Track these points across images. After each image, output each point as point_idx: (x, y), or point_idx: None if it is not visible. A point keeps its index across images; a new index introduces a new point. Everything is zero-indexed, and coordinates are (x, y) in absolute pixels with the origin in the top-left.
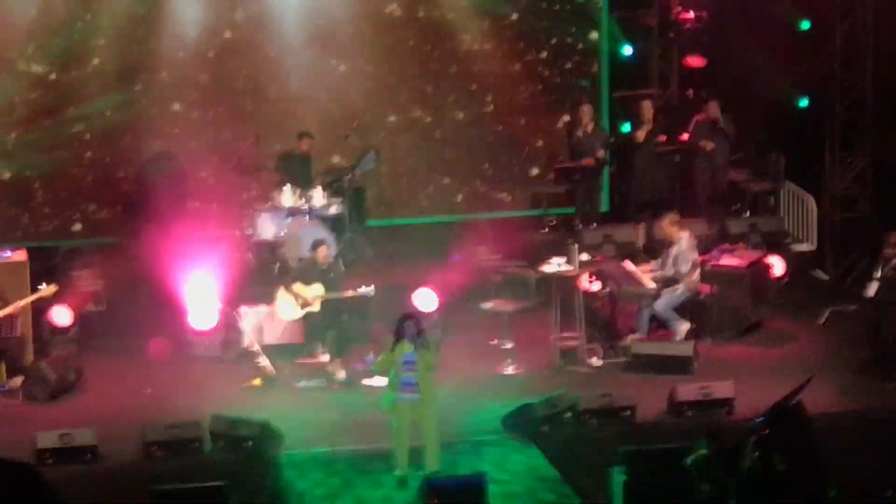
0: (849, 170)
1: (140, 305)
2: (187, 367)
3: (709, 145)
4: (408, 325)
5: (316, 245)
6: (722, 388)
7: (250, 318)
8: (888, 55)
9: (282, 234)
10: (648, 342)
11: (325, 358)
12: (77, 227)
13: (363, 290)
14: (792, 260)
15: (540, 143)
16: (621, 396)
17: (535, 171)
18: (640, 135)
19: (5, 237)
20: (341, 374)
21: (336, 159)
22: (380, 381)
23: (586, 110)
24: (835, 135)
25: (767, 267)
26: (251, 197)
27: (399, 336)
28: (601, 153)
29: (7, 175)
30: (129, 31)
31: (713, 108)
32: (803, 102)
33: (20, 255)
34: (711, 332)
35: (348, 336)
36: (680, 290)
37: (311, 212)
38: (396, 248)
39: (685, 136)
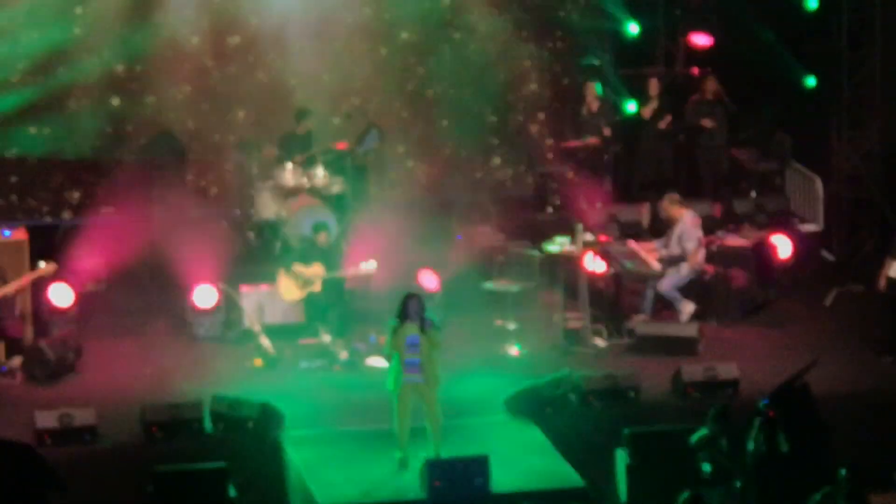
0: (856, 149)
1: (140, 285)
2: (188, 347)
3: (708, 123)
4: (411, 304)
5: (317, 229)
6: (727, 370)
7: (251, 297)
8: None
9: (283, 213)
10: (653, 323)
11: (327, 338)
12: (77, 205)
13: (365, 266)
14: (798, 240)
15: (544, 119)
16: (626, 377)
17: (539, 150)
18: (647, 112)
19: (5, 215)
20: (343, 354)
21: (338, 138)
22: (382, 362)
23: (591, 88)
24: (842, 114)
25: (773, 247)
26: (252, 176)
27: (402, 316)
28: (607, 131)
29: (12, 152)
30: (129, 11)
31: (711, 84)
32: (811, 82)
33: (20, 234)
34: (717, 312)
35: (350, 316)
36: (684, 271)
37: (312, 190)
38: (399, 228)
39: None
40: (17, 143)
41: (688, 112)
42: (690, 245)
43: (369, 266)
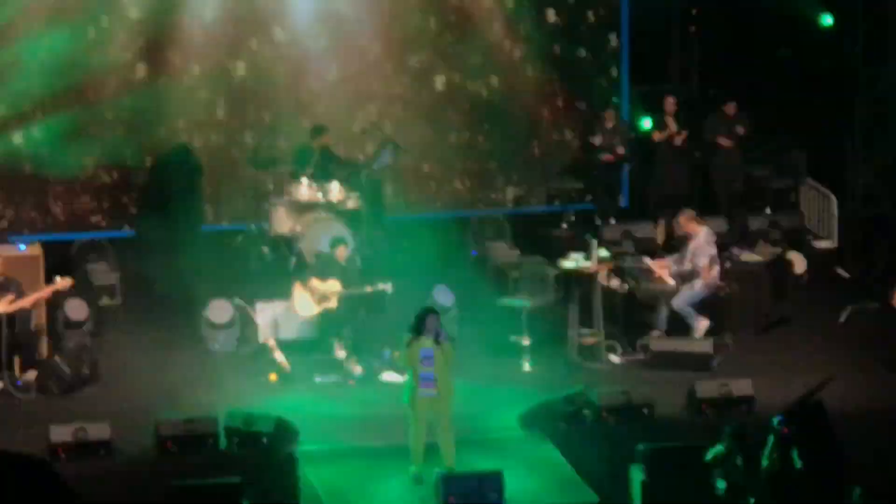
0: (871, 167)
1: (155, 299)
2: (203, 361)
3: (725, 142)
4: (427, 319)
5: (335, 244)
6: (741, 386)
7: (266, 312)
8: None
9: (298, 228)
10: (668, 339)
11: (342, 353)
12: (92, 220)
13: (381, 286)
14: (813, 257)
15: (561, 137)
16: (640, 394)
17: (555, 167)
18: (660, 135)
19: (20, 230)
20: (357, 370)
21: (354, 153)
22: (396, 377)
23: (609, 112)
24: (857, 131)
25: (788, 264)
26: (267, 191)
27: (418, 331)
28: (621, 149)
29: (28, 169)
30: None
31: (730, 108)
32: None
33: (35, 249)
34: (731, 329)
35: (365, 332)
36: (699, 287)
37: (327, 206)
38: (414, 244)
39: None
40: (35, 158)
41: (706, 129)
42: (703, 261)
43: (386, 287)
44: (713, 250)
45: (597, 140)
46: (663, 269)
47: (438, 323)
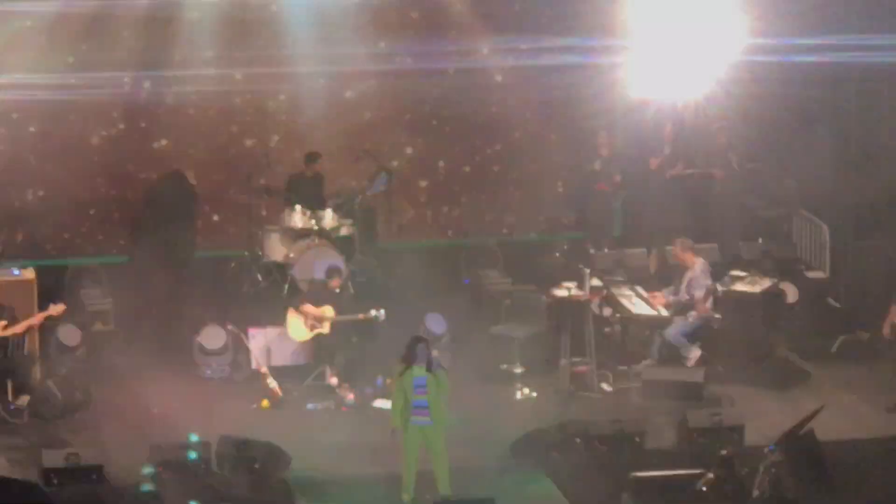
0: (863, 197)
1: (148, 325)
2: (195, 387)
3: (718, 173)
4: (419, 347)
5: (331, 273)
6: (733, 415)
7: (259, 339)
8: None
9: (291, 255)
10: (659, 368)
11: (334, 380)
12: (85, 246)
13: (374, 313)
14: (805, 287)
15: (554, 166)
16: (632, 422)
17: (547, 195)
18: (655, 161)
19: (14, 255)
20: (350, 397)
21: (347, 181)
22: (388, 405)
23: (602, 135)
24: (849, 162)
25: (780, 294)
26: (261, 218)
27: (410, 359)
28: (616, 178)
29: (28, 197)
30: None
31: (721, 137)
32: None
33: (28, 274)
34: (723, 358)
35: (358, 359)
36: (692, 317)
37: (320, 233)
38: (406, 271)
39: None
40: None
41: (701, 159)
42: (699, 293)
43: (378, 314)
44: (709, 281)
45: (596, 165)
46: (657, 299)
47: (429, 351)
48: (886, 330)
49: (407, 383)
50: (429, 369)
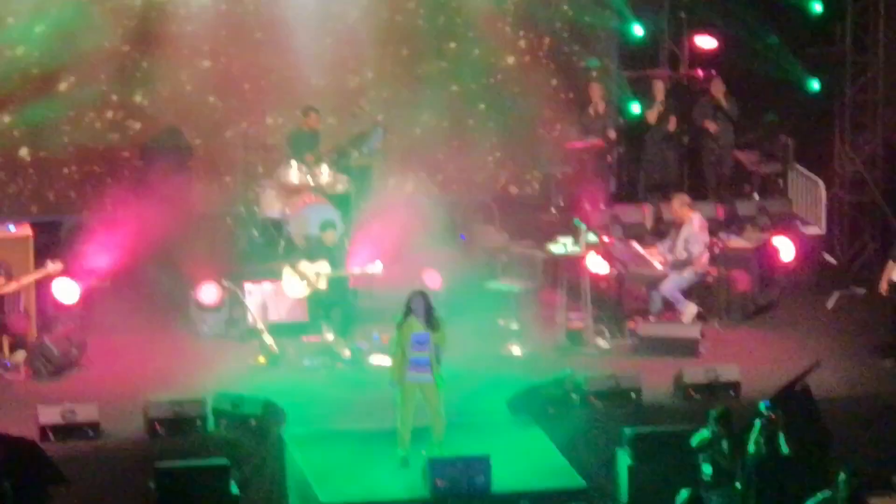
0: (858, 153)
1: (144, 281)
2: (192, 344)
3: (712, 126)
4: (417, 302)
5: (324, 227)
6: (728, 371)
7: (255, 295)
8: None
9: (287, 211)
10: (655, 324)
11: (330, 336)
12: (82, 202)
13: (370, 267)
14: (800, 243)
15: (549, 121)
16: (627, 378)
17: (544, 151)
18: (652, 116)
19: (10, 211)
20: (346, 353)
21: (343, 137)
22: (385, 360)
23: (596, 89)
24: (844, 118)
25: (776, 250)
26: (257, 174)
27: (408, 313)
28: (612, 133)
29: (16, 149)
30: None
31: (716, 88)
32: (814, 86)
33: (24, 230)
34: (719, 314)
35: (354, 314)
36: (688, 273)
37: (317, 189)
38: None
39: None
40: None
41: (695, 114)
42: (696, 249)
43: (374, 268)
44: (706, 237)
45: (585, 120)
46: (653, 255)
47: (428, 305)
48: (884, 286)
49: (405, 338)
50: (428, 325)
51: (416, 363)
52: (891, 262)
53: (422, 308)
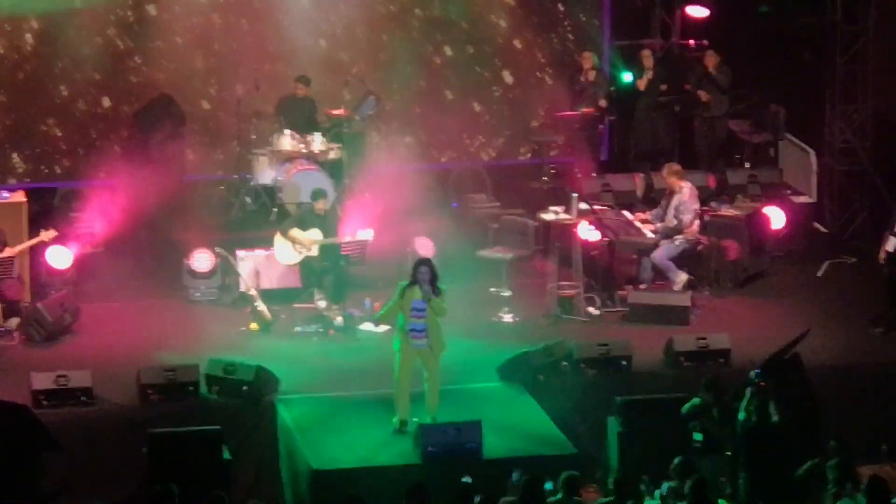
0: (849, 123)
1: (137, 248)
2: (184, 310)
3: (704, 95)
4: (422, 270)
5: (316, 196)
6: (719, 339)
7: (248, 262)
8: (890, 6)
9: (280, 178)
10: (646, 292)
11: (323, 303)
12: (75, 168)
13: (362, 234)
14: (791, 212)
15: (540, 88)
16: (618, 346)
17: (535, 119)
18: (642, 84)
19: (3, 178)
20: (338, 320)
21: (336, 104)
22: (375, 327)
23: (587, 57)
24: (835, 87)
25: (766, 219)
26: (250, 141)
27: (413, 281)
28: (603, 102)
29: (12, 117)
30: None
31: (710, 58)
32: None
33: (18, 196)
34: (709, 283)
35: (346, 281)
36: (678, 241)
37: (309, 156)
38: (395, 194)
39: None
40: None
41: (687, 83)
42: (687, 217)
43: (366, 234)
44: (697, 206)
45: (577, 89)
46: (644, 222)
47: (432, 275)
48: (882, 256)
49: (406, 304)
50: (426, 297)
51: (415, 330)
52: (888, 234)
53: (427, 276)
